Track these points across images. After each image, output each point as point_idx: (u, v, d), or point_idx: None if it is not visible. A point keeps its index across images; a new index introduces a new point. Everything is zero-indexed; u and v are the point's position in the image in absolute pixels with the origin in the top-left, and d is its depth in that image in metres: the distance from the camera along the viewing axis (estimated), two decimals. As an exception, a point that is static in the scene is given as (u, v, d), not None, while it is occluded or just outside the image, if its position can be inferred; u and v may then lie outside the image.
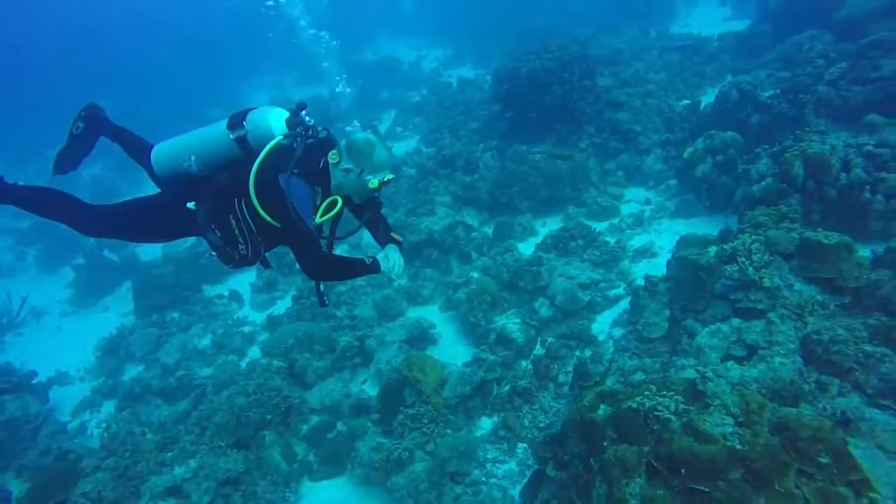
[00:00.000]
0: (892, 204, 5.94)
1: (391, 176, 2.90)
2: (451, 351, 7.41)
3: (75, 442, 7.60)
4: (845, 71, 8.61)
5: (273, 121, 2.86)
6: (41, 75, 27.11)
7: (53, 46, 29.37)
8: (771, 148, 7.20)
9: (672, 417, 3.55)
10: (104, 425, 7.43)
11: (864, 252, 5.09)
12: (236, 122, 2.86)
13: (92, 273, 12.46)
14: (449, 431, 5.89)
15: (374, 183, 2.84)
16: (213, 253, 2.93)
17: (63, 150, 3.15)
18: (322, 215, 2.81)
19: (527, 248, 8.49)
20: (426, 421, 5.82)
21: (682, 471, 3.28)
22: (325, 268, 2.94)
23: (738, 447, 3.30)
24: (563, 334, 6.54)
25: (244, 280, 11.01)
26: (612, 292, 6.91)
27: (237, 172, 2.82)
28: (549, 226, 9.12)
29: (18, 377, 8.70)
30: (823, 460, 3.21)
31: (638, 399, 3.69)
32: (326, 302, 3.27)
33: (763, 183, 6.83)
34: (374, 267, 2.96)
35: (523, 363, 6.56)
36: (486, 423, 6.20)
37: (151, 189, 3.22)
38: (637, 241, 8.00)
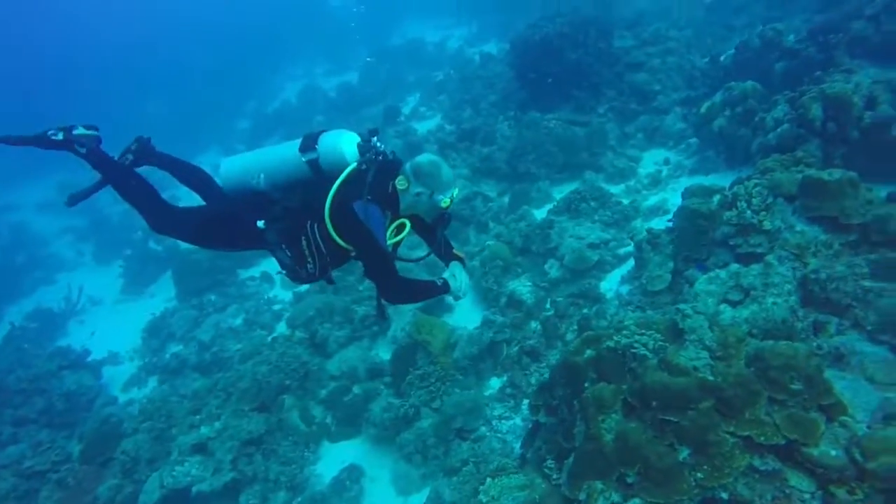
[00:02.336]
0: (919, 140, 5.59)
1: (457, 191, 2.99)
2: (467, 317, 7.50)
3: (125, 412, 8.23)
4: (890, 2, 7.98)
5: (345, 146, 2.87)
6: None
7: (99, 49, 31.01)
8: (790, 93, 6.87)
9: (648, 354, 3.55)
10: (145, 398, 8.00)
11: (882, 192, 4.84)
12: (309, 144, 2.89)
13: (139, 263, 13.27)
14: (457, 390, 6.03)
15: (445, 202, 2.89)
16: (283, 271, 2.99)
17: (94, 186, 3.06)
18: (392, 238, 2.89)
19: (542, 215, 8.44)
20: (433, 380, 5.98)
21: (653, 403, 3.29)
22: (403, 292, 3.03)
23: (710, 378, 3.28)
24: (572, 293, 6.52)
25: (275, 263, 11.42)
26: (622, 250, 6.83)
27: (309, 194, 2.87)
28: (566, 191, 9.02)
29: (75, 355, 9.49)
30: (795, 387, 3.15)
31: (616, 338, 3.70)
32: (387, 315, 3.34)
33: (779, 130, 6.55)
34: (445, 288, 3.06)
35: (533, 324, 6.60)
36: (495, 383, 6.30)
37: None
38: (652, 201, 7.84)
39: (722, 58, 9.18)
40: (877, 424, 3.11)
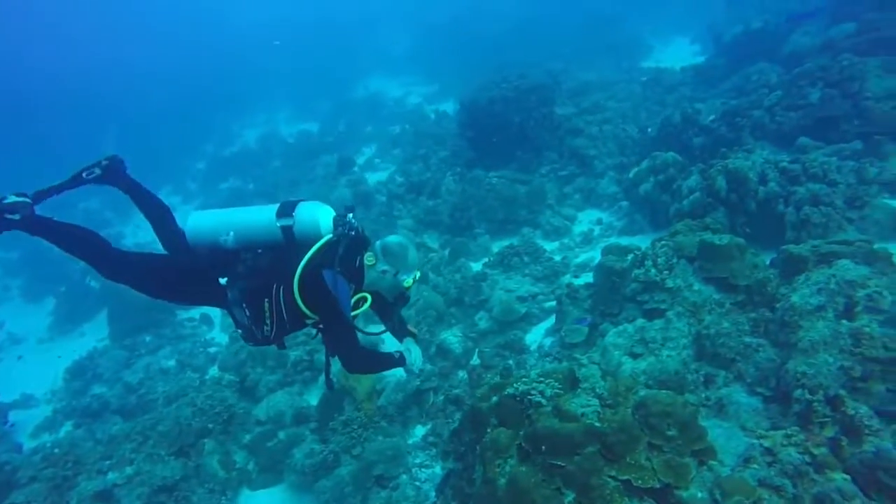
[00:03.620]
0: (801, 215, 6.19)
1: (419, 274, 3.19)
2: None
3: (26, 460, 7.74)
4: (780, 98, 9.00)
5: (322, 217, 2.97)
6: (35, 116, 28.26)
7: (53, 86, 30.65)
8: (703, 165, 7.52)
9: (544, 401, 3.74)
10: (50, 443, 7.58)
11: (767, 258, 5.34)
12: (286, 211, 2.96)
13: (72, 301, 12.80)
14: (380, 437, 6.03)
15: (408, 282, 3.07)
16: (238, 330, 3.03)
17: (55, 188, 2.98)
18: (353, 311, 2.96)
19: (479, 268, 8.73)
20: (356, 426, 5.98)
21: (543, 448, 3.45)
22: (364, 362, 3.14)
23: (597, 424, 3.48)
24: (498, 344, 6.73)
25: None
26: (548, 304, 7.12)
27: (278, 258, 2.93)
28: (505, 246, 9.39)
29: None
30: (671, 433, 3.38)
31: (515, 385, 3.89)
32: (333, 385, 3.39)
33: (692, 197, 7.12)
34: (401, 361, 3.20)
35: (460, 373, 6.73)
36: (419, 431, 6.33)
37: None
38: (582, 258, 8.25)
39: (649, 129, 9.97)
40: (738, 468, 3.36)
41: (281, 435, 6.70)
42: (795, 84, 8.97)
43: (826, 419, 3.46)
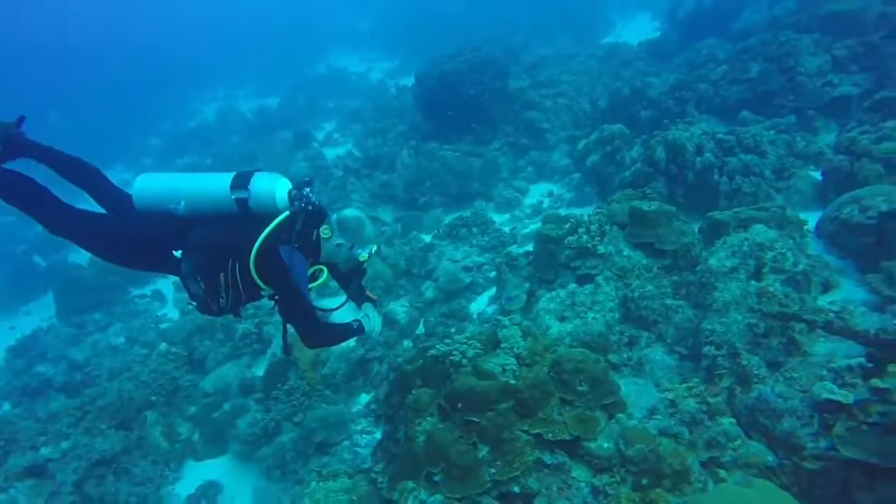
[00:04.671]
0: (733, 184, 6.39)
1: (376, 248, 3.17)
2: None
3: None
4: (725, 73, 9.19)
5: (278, 191, 2.90)
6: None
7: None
8: (646, 137, 7.66)
9: (464, 361, 3.83)
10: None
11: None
12: (241, 182, 2.87)
13: (17, 279, 12.40)
14: (323, 406, 6.09)
15: (363, 256, 3.09)
16: (193, 302, 2.97)
17: None
18: (310, 283, 2.95)
19: (430, 240, 8.78)
20: (298, 395, 6.02)
21: (460, 405, 3.56)
22: (321, 336, 3.11)
23: (512, 382, 3.60)
24: (443, 313, 6.81)
25: (169, 280, 11.11)
26: (492, 274, 7.22)
27: (233, 232, 2.85)
28: (457, 218, 9.45)
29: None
30: (582, 388, 3.52)
31: (438, 347, 3.97)
32: (292, 353, 3.41)
33: (634, 167, 7.27)
34: (360, 330, 3.19)
35: (406, 342, 6.81)
36: (364, 399, 6.41)
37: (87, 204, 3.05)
38: (530, 228, 8.36)
39: (599, 102, 10.07)
40: (643, 419, 3.53)
41: (226, 406, 6.70)
42: (739, 59, 9.17)
43: (723, 371, 3.64)
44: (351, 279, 3.30)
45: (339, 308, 3.30)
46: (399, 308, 7.15)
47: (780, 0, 11.13)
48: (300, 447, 5.66)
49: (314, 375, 6.27)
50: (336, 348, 6.76)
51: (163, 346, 8.85)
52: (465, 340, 4.00)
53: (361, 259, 3.10)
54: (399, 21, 23.52)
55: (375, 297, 3.48)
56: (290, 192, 2.93)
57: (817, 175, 6.63)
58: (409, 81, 18.69)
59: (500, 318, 4.27)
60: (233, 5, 30.75)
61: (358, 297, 3.41)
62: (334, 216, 3.07)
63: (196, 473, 6.27)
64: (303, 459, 5.63)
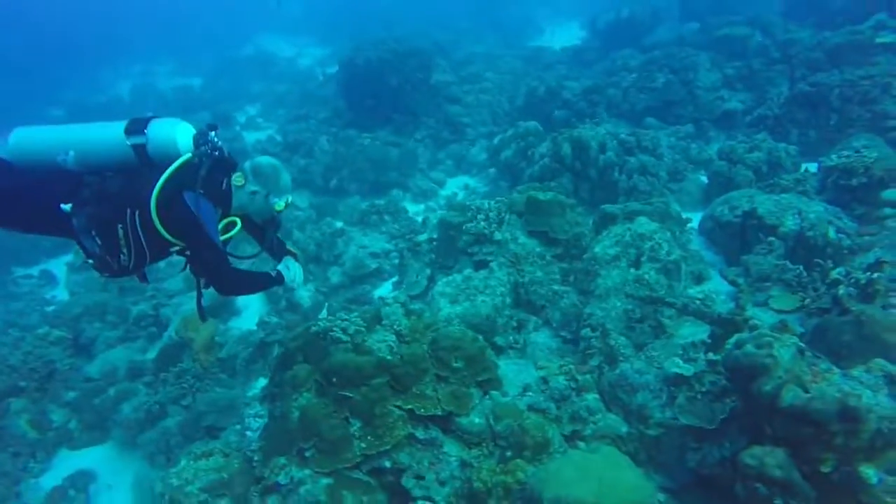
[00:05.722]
0: (631, 182, 6.75)
1: (291, 198, 2.99)
2: (253, 321, 7.38)
3: None
4: (634, 80, 9.70)
5: (179, 135, 2.75)
6: None
7: None
8: (555, 133, 7.93)
9: (343, 336, 3.80)
10: None
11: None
12: (136, 128, 2.70)
13: None
14: (217, 389, 5.86)
15: (280, 205, 2.93)
16: (89, 260, 2.76)
17: None
18: (221, 235, 2.81)
19: (341, 225, 8.66)
20: (189, 377, 5.76)
21: (334, 380, 3.53)
22: (236, 284, 2.96)
23: (388, 358, 3.61)
24: (347, 298, 6.74)
25: (61, 260, 10.32)
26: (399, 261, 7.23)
27: (131, 181, 2.67)
28: (374, 207, 9.38)
29: None
30: (457, 365, 3.59)
31: (319, 323, 3.92)
32: (206, 316, 3.16)
33: (541, 162, 7.50)
34: (279, 279, 3.04)
35: (308, 327, 6.68)
36: (262, 383, 6.22)
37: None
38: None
39: (518, 101, 10.33)
40: (516, 396, 3.65)
41: (111, 391, 6.29)
42: (647, 69, 9.70)
43: (593, 350, 3.84)
44: (265, 232, 3.15)
45: (255, 256, 3.19)
46: (304, 293, 7.00)
47: (687, 20, 11.94)
48: (187, 431, 5.41)
49: (208, 357, 6.02)
50: (235, 332, 6.54)
51: (43, 328, 8.21)
52: (347, 317, 3.97)
53: (278, 209, 2.98)
54: (332, 7, 23.12)
55: (297, 251, 3.35)
56: (194, 137, 2.79)
57: (705, 179, 7.13)
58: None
59: (384, 297, 4.26)
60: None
61: (276, 251, 3.27)
62: (248, 163, 2.95)
63: (69, 463, 5.83)
64: (189, 444, 5.38)
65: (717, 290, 4.79)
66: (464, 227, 5.52)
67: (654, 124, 8.93)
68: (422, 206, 9.16)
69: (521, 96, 10.33)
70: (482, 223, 5.42)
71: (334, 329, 3.79)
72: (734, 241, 5.08)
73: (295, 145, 11.37)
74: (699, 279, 5.01)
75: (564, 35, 19.67)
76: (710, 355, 3.04)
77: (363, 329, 3.89)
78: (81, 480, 5.37)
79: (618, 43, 12.88)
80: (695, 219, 6.21)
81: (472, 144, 10.54)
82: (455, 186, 9.77)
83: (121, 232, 2.66)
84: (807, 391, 2.52)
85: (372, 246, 7.29)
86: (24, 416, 5.82)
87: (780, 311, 4.12)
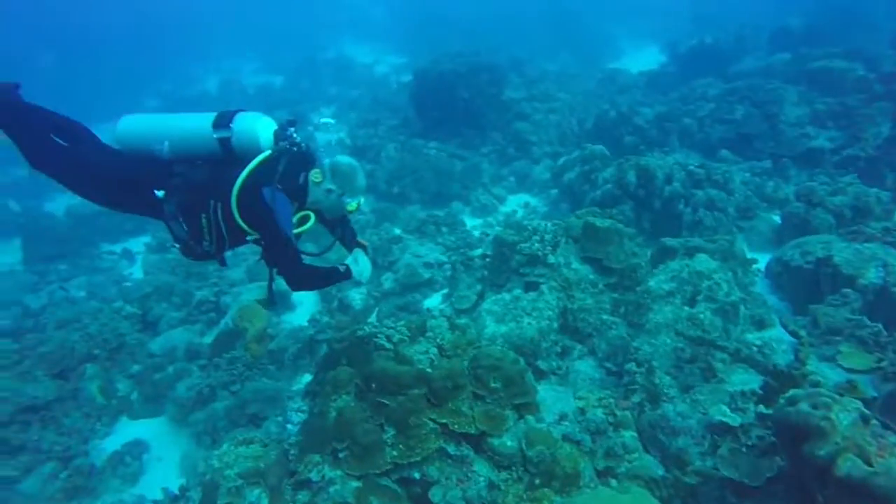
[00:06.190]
0: (697, 216, 6.51)
1: (363, 200, 3.11)
2: (305, 318, 7.65)
3: None
4: (712, 110, 9.36)
5: (261, 130, 2.86)
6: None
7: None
8: (621, 160, 7.77)
9: (387, 344, 3.88)
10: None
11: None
12: (223, 122, 2.83)
13: (-12, 221, 12.29)
14: (264, 379, 6.11)
15: (352, 205, 3.04)
16: (176, 245, 2.94)
17: None
18: (295, 228, 2.92)
19: (399, 232, 8.82)
20: (240, 365, 6.03)
21: (373, 386, 3.60)
22: (306, 279, 3.05)
23: (428, 370, 3.64)
24: (397, 305, 6.86)
25: (140, 240, 11.10)
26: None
27: (216, 173, 2.83)
28: (433, 217, 9.49)
29: None
30: (494, 385, 3.57)
31: (365, 328, 4.02)
32: (275, 301, 3.34)
33: (604, 188, 7.37)
34: (347, 273, 3.14)
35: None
36: (307, 379, 6.42)
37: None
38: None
39: (586, 123, 10.20)
40: (552, 424, 3.59)
41: (170, 369, 6.69)
42: (726, 99, 9.34)
43: (636, 386, 3.72)
44: (335, 227, 3.25)
45: (326, 251, 3.23)
46: (356, 295, 7.19)
47: (776, 51, 11.40)
48: (233, 416, 5.67)
49: (259, 348, 6.26)
50: (286, 326, 6.79)
51: (118, 302, 8.84)
52: (393, 325, 4.04)
53: (350, 208, 3.06)
54: (414, 18, 23.70)
55: (366, 243, 3.42)
56: (275, 132, 2.90)
57: (778, 219, 6.77)
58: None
59: (431, 310, 4.31)
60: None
61: (347, 242, 3.35)
62: (328, 161, 3.02)
63: (128, 431, 6.23)
64: (233, 429, 5.63)
65: (779, 338, 4.53)
66: (518, 247, 5.50)
67: (728, 157, 8.57)
68: (480, 221, 9.20)
69: (591, 118, 10.18)
70: (536, 244, 5.39)
71: (379, 336, 3.88)
72: (803, 289, 4.79)
73: (362, 150, 11.72)
74: (761, 325, 4.75)
75: (643, 58, 19.26)
76: (761, 408, 2.89)
77: (407, 339, 3.96)
78: (136, 449, 5.73)
79: (698, 70, 12.48)
80: (762, 260, 5.91)
81: (536, 163, 10.48)
82: (515, 204, 9.75)
83: (204, 221, 2.83)
84: (870, 464, 2.34)
85: (426, 256, 7.39)
86: (95, 382, 6.27)
87: (849, 370, 3.85)
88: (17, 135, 2.80)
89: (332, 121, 3.32)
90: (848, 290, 4.52)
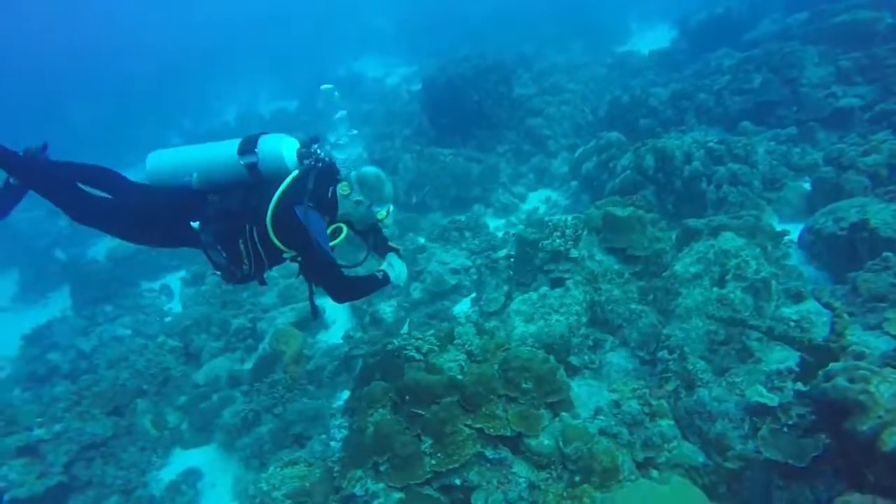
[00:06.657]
0: (720, 193, 6.36)
1: (392, 208, 3.20)
2: (339, 335, 7.78)
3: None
4: (728, 82, 9.12)
5: (286, 151, 2.93)
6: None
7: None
8: (638, 144, 7.66)
9: (418, 355, 3.93)
10: None
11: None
12: (248, 147, 2.90)
13: (36, 271, 12.92)
14: (305, 399, 6.24)
15: (382, 214, 3.08)
16: (217, 272, 3.02)
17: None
18: (330, 241, 2.98)
19: (423, 241, 8.88)
20: (280, 388, 6.18)
21: (407, 398, 3.65)
22: (348, 289, 3.12)
23: (458, 377, 3.67)
24: (428, 314, 6.91)
25: (177, 276, 11.48)
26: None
27: (247, 197, 2.90)
28: (455, 222, 9.53)
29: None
30: (526, 385, 3.58)
31: (394, 342, 4.08)
32: (320, 312, 3.47)
33: (623, 175, 7.27)
34: (386, 279, 3.21)
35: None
36: (346, 395, 6.54)
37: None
38: (522, 234, 8.40)
39: (589, 111, 10.08)
40: (588, 419, 3.57)
41: (214, 398, 6.90)
42: (743, 69, 9.09)
43: (669, 374, 3.66)
44: (367, 236, 3.32)
45: (362, 262, 3.27)
46: (387, 308, 7.28)
47: (793, 11, 11.01)
48: (278, 438, 5.81)
49: (297, 370, 6.42)
50: (322, 346, 6.92)
51: (161, 337, 9.17)
52: (421, 336, 4.09)
53: (379, 217, 3.11)
54: (419, 26, 23.86)
55: (399, 248, 3.48)
56: (298, 151, 2.97)
57: (808, 186, 6.55)
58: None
59: (459, 318, 4.34)
60: (255, 4, 31.51)
61: (380, 248, 3.41)
62: (353, 173, 3.07)
63: (182, 460, 6.48)
64: (279, 450, 5.78)
65: (818, 310, 4.37)
66: (540, 244, 5.49)
67: (749, 129, 8.32)
68: (503, 221, 9.19)
69: (604, 106, 10.06)
70: (558, 240, 5.36)
71: (408, 348, 3.93)
72: (839, 257, 4.63)
73: (381, 163, 11.85)
74: (798, 298, 4.60)
75: (653, 37, 18.89)
76: (799, 385, 2.81)
77: (436, 348, 4.00)
78: (191, 478, 5.94)
79: (712, 42, 12.15)
80: (794, 231, 5.73)
81: (553, 157, 10.41)
82: (537, 200, 9.70)
83: (241, 245, 2.91)
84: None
85: (452, 262, 7.43)
86: (147, 416, 6.53)
87: (896, 336, 3.70)
88: (52, 196, 2.93)
89: (330, 86, 3.33)
90: (888, 254, 4.34)
